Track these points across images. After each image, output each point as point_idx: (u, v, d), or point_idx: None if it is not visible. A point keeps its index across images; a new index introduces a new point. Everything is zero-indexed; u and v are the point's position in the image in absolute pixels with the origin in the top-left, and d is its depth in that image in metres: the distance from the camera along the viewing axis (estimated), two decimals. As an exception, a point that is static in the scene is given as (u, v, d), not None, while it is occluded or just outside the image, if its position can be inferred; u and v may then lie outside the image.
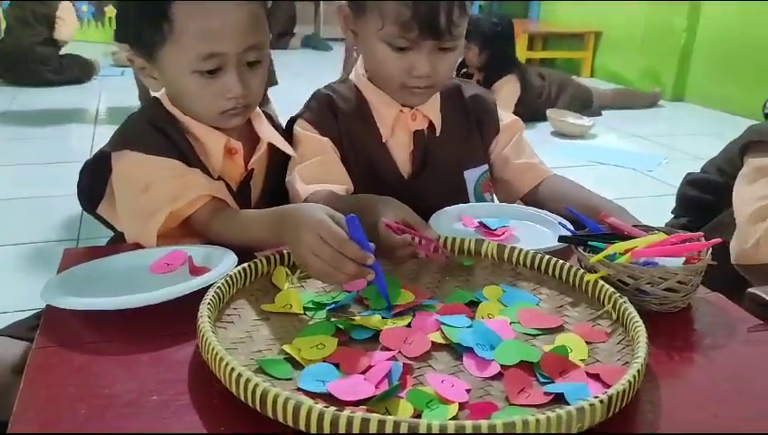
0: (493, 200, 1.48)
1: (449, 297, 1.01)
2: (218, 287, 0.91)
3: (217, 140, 1.25)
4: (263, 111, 1.37)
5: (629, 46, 6.46)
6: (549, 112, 4.65)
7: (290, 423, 0.67)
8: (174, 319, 0.91)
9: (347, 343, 0.88)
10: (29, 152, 3.98)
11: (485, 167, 1.48)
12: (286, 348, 0.85)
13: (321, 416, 0.65)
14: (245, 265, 1.00)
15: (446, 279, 1.08)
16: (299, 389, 0.77)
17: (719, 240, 1.03)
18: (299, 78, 5.00)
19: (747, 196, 1.58)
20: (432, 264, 1.11)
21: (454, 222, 1.29)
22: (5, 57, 5.60)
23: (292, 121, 1.42)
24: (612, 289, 0.96)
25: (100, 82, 5.86)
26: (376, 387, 0.77)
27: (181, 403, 0.76)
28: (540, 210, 1.34)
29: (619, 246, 1.01)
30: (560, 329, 0.94)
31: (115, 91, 5.33)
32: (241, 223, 1.13)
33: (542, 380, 0.81)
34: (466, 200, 1.42)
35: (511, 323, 0.94)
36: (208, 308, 0.86)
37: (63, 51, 5.84)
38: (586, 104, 5.01)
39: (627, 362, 0.83)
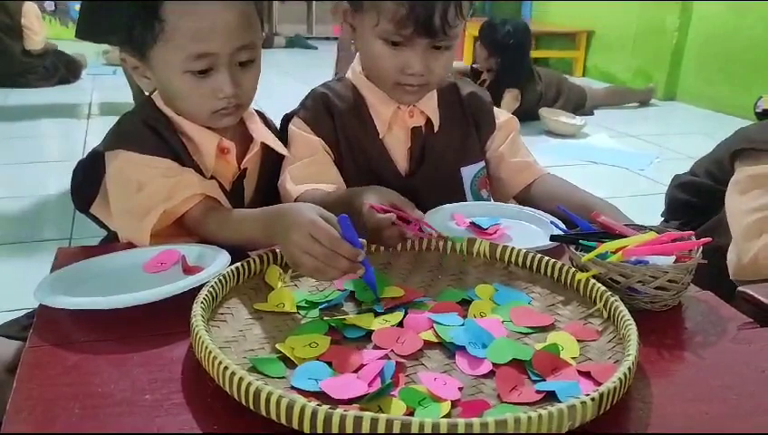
0: (489, 198, 1.49)
1: (441, 296, 1.01)
2: (211, 286, 0.92)
3: (210, 140, 1.25)
4: (255, 110, 1.37)
5: (621, 46, 6.48)
6: (542, 112, 4.66)
7: (283, 421, 0.67)
8: (167, 318, 0.91)
9: (340, 342, 0.88)
10: (22, 151, 3.97)
11: (482, 164, 1.49)
12: (279, 347, 0.85)
13: (313, 414, 0.66)
14: (238, 264, 1.00)
15: (439, 278, 1.08)
16: (292, 387, 0.77)
17: (709, 239, 1.04)
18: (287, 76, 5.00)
19: (742, 206, 1.58)
20: (424, 262, 1.12)
21: (446, 221, 1.29)
22: None
23: (287, 119, 1.42)
24: (604, 288, 0.96)
25: (92, 80, 5.85)
26: (369, 385, 0.77)
27: (174, 402, 0.76)
28: (532, 209, 1.35)
29: (611, 245, 1.02)
30: (551, 327, 0.94)
31: (107, 90, 5.32)
32: (233, 222, 1.14)
33: (533, 378, 0.82)
34: (463, 197, 1.43)
35: (503, 321, 0.94)
36: (201, 307, 0.86)
37: (51, 48, 5.80)
38: (579, 104, 5.03)
39: (618, 361, 0.83)
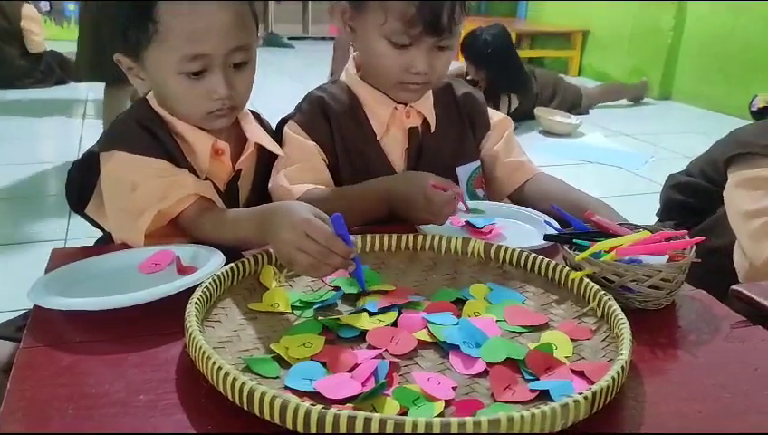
0: (485, 197, 1.49)
1: (436, 295, 1.01)
2: (206, 287, 0.92)
3: (204, 141, 1.25)
4: (250, 111, 1.37)
5: (617, 45, 6.49)
6: (537, 111, 4.67)
7: (277, 421, 0.68)
8: (162, 318, 0.91)
9: (334, 342, 0.88)
10: (16, 152, 3.96)
11: (477, 163, 1.49)
12: (273, 347, 0.85)
13: (307, 414, 0.66)
14: (233, 264, 1.00)
15: (433, 277, 1.08)
16: (286, 387, 0.78)
17: (702, 239, 1.04)
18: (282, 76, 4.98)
19: (744, 208, 1.57)
20: (419, 261, 1.12)
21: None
22: None
23: (283, 122, 1.42)
24: (597, 287, 0.97)
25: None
26: (363, 385, 0.77)
27: (169, 402, 0.76)
28: (526, 208, 1.35)
29: (604, 244, 1.02)
30: (545, 326, 0.94)
31: (102, 90, 5.30)
32: (227, 222, 1.14)
33: (527, 377, 0.82)
34: None
35: (497, 320, 0.94)
36: (196, 307, 0.86)
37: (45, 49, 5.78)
38: (575, 104, 5.03)
39: (611, 359, 0.83)
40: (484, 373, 0.83)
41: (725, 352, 0.92)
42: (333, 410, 0.66)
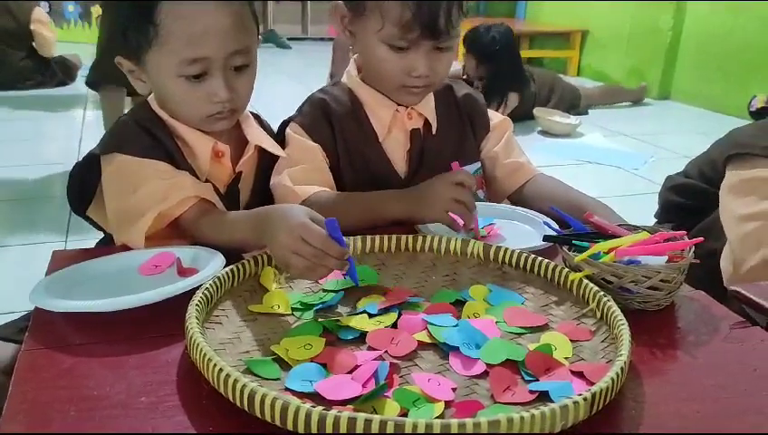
0: (485, 197, 1.49)
1: (435, 297, 1.02)
2: (206, 288, 0.92)
3: (205, 143, 1.26)
4: (251, 112, 1.38)
5: (616, 45, 6.49)
6: (536, 111, 4.67)
7: (277, 423, 0.68)
8: (162, 320, 0.91)
9: (334, 344, 0.88)
10: (17, 154, 3.96)
11: (478, 164, 1.50)
12: (274, 348, 0.85)
13: (308, 415, 0.66)
14: (233, 266, 1.00)
15: (432, 278, 1.09)
16: (286, 389, 0.78)
17: (701, 239, 1.04)
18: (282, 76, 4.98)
19: (738, 211, 1.57)
20: (418, 263, 1.13)
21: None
22: None
23: (285, 124, 1.42)
24: (596, 288, 0.97)
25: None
26: (363, 386, 0.78)
27: (170, 404, 0.76)
28: (525, 210, 1.35)
29: (604, 245, 1.03)
30: (545, 327, 0.95)
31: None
32: (225, 225, 1.14)
33: (527, 378, 0.82)
34: None
35: (497, 322, 0.95)
36: (196, 309, 0.86)
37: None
38: (574, 104, 5.04)
39: (610, 360, 0.84)
40: (484, 374, 0.83)
41: (724, 353, 0.92)
42: (334, 411, 0.66)
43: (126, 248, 1.17)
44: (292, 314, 0.96)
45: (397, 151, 1.42)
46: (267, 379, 0.80)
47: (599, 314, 0.94)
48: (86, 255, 1.15)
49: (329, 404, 0.74)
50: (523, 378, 0.82)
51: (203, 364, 0.76)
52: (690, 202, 1.85)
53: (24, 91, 5.51)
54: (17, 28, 5.50)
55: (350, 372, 0.81)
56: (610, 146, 4.39)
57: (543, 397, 0.78)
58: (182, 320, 0.84)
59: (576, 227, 1.14)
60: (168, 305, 0.93)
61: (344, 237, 0.96)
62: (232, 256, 1.06)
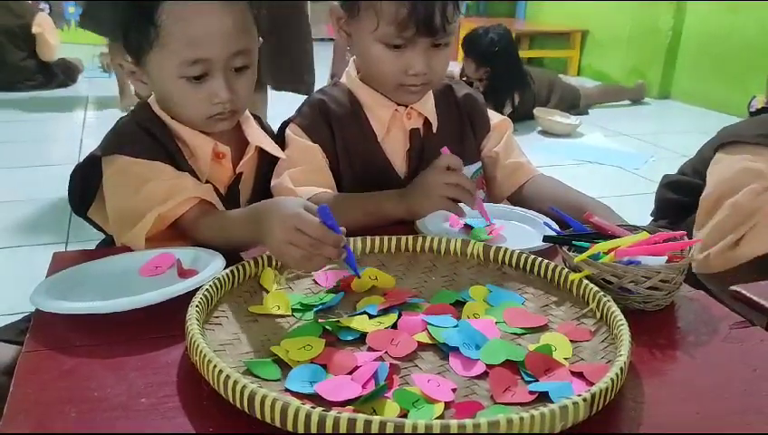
0: (485, 198, 1.49)
1: (435, 297, 1.02)
2: (206, 290, 0.92)
3: (205, 144, 1.26)
4: (251, 114, 1.38)
5: (616, 45, 6.49)
6: (536, 111, 4.68)
7: (277, 424, 0.68)
8: (163, 322, 0.91)
9: (334, 344, 0.89)
10: (18, 155, 3.97)
11: (479, 164, 1.50)
12: (274, 349, 0.85)
13: (308, 416, 0.66)
14: (233, 267, 1.01)
15: (432, 279, 1.09)
16: (287, 390, 0.78)
17: (700, 240, 1.05)
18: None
19: (716, 191, 1.65)
20: (418, 263, 1.13)
21: (441, 222, 1.30)
22: None
23: (284, 125, 1.42)
24: (596, 288, 0.97)
25: (88, 84, 5.84)
26: (363, 387, 0.78)
27: (170, 405, 0.76)
28: (525, 210, 1.35)
29: (603, 246, 1.03)
30: (545, 328, 0.95)
31: (104, 93, 5.31)
32: (222, 224, 1.14)
33: (526, 378, 0.82)
34: None
35: (496, 322, 0.95)
36: (197, 310, 0.86)
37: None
38: (573, 104, 5.04)
39: (610, 361, 0.84)
40: (484, 375, 0.83)
41: (724, 353, 0.92)
42: (334, 412, 0.66)
43: (126, 250, 1.17)
44: (293, 315, 0.96)
45: (396, 151, 1.42)
46: (267, 380, 0.80)
47: (598, 315, 0.94)
48: (87, 256, 1.15)
49: (329, 405, 0.74)
50: (522, 378, 0.82)
51: (203, 366, 0.76)
52: (685, 198, 1.87)
53: (25, 92, 5.50)
54: (19, 27, 5.50)
55: (350, 373, 0.81)
56: (611, 146, 4.39)
57: (543, 397, 0.78)
58: (182, 321, 0.84)
59: (576, 227, 1.14)
60: (169, 307, 0.93)
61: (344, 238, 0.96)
62: (232, 257, 1.06)
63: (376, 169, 1.40)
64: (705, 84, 5.62)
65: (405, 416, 0.74)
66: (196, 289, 0.93)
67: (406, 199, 1.25)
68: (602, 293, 0.95)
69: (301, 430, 0.67)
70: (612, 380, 0.74)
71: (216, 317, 0.93)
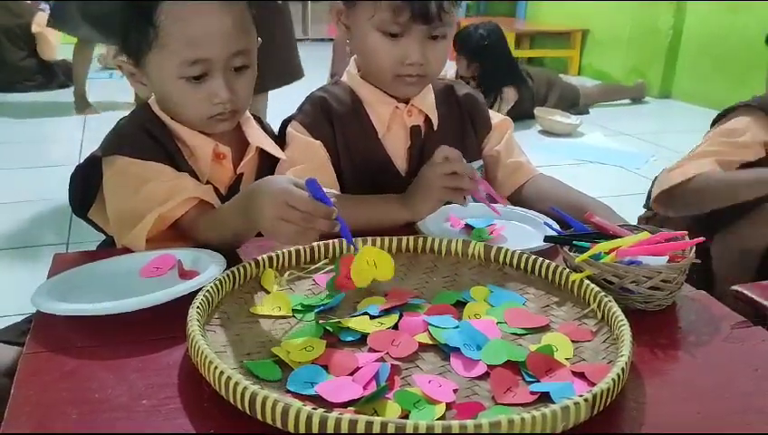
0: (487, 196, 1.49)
1: (436, 298, 1.02)
2: (207, 291, 0.92)
3: (206, 145, 1.26)
4: (252, 114, 1.38)
5: (616, 44, 6.49)
6: (537, 111, 4.68)
7: (278, 425, 0.68)
8: (164, 323, 0.91)
9: (335, 345, 0.88)
10: (19, 156, 3.97)
11: (480, 162, 1.50)
12: (275, 350, 0.85)
13: (309, 418, 0.66)
14: (234, 268, 1.01)
15: (433, 280, 1.09)
16: (288, 391, 0.78)
17: (701, 239, 1.05)
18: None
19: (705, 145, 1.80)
20: (419, 264, 1.13)
21: (442, 222, 1.30)
22: None
23: (286, 123, 1.42)
24: (597, 288, 0.97)
25: (89, 84, 5.83)
26: (364, 388, 0.78)
27: (171, 407, 0.76)
28: (526, 210, 1.35)
29: (604, 246, 1.03)
30: (546, 328, 0.95)
31: (104, 93, 5.31)
32: (218, 218, 1.14)
33: (528, 379, 0.82)
34: None
35: (497, 322, 0.95)
36: (197, 312, 0.86)
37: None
38: (573, 103, 5.04)
39: (612, 361, 0.83)
40: (485, 376, 0.83)
41: (726, 353, 0.92)
42: (335, 413, 0.66)
43: (127, 251, 1.17)
44: (293, 316, 0.96)
45: (397, 148, 1.42)
46: (268, 381, 0.80)
47: (600, 315, 0.94)
48: (87, 257, 1.15)
49: (330, 406, 0.74)
50: (524, 379, 0.82)
51: (204, 367, 0.76)
52: None
53: (26, 92, 5.51)
54: (19, 27, 5.49)
55: (351, 374, 0.81)
56: (611, 145, 4.39)
57: (545, 398, 0.78)
58: (184, 322, 0.84)
59: (577, 227, 1.14)
60: (170, 308, 0.93)
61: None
62: (233, 258, 1.06)
63: (377, 165, 1.40)
64: (705, 83, 5.62)
65: (406, 417, 0.74)
66: (197, 290, 0.93)
67: (408, 201, 1.25)
68: (603, 293, 0.95)
69: (302, 431, 0.67)
70: (614, 380, 0.74)
71: (217, 318, 0.93)
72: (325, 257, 1.12)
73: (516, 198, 1.47)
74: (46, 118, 4.88)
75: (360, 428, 0.65)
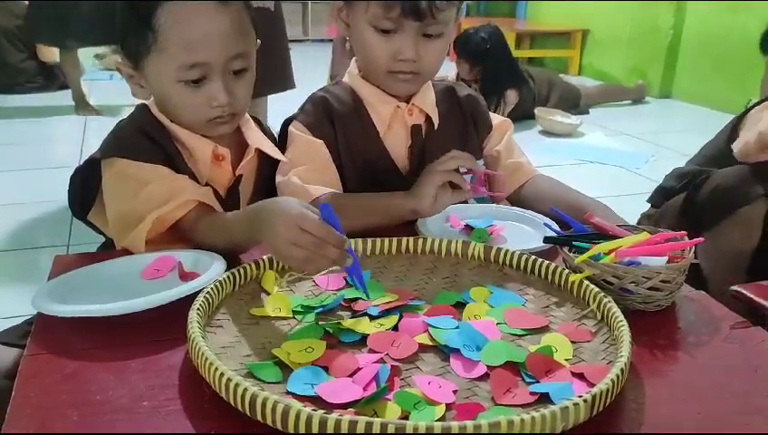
0: (489, 196, 1.49)
1: (436, 299, 1.02)
2: (208, 292, 0.92)
3: (205, 147, 1.26)
4: (251, 116, 1.38)
5: (617, 44, 6.49)
6: (537, 111, 4.68)
7: (279, 427, 0.68)
8: (164, 324, 0.91)
9: (335, 347, 0.89)
10: (19, 158, 3.97)
11: (480, 162, 1.50)
12: (275, 352, 0.86)
13: (309, 419, 0.66)
14: (234, 269, 1.01)
15: (433, 281, 1.09)
16: (288, 392, 0.78)
17: (701, 239, 1.05)
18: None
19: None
20: (419, 265, 1.13)
21: (442, 223, 1.30)
22: None
23: (287, 123, 1.43)
24: (597, 289, 0.97)
25: (88, 86, 5.83)
26: (364, 389, 0.78)
27: (172, 408, 0.77)
28: (525, 210, 1.35)
29: (604, 246, 1.03)
30: (545, 329, 0.95)
31: (104, 95, 5.31)
32: (221, 226, 1.14)
33: (527, 380, 0.82)
34: None
35: (497, 323, 0.95)
36: (198, 313, 0.87)
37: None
38: (574, 103, 5.04)
39: (611, 362, 0.84)
40: (485, 376, 0.83)
41: (725, 353, 0.92)
42: (335, 414, 0.66)
43: (127, 253, 1.17)
44: (294, 318, 0.96)
45: (398, 147, 1.42)
46: (268, 382, 0.80)
47: (599, 316, 0.94)
48: (88, 259, 1.15)
49: (330, 407, 0.74)
50: (523, 380, 0.83)
51: (204, 368, 0.76)
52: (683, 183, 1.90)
53: (26, 94, 5.51)
54: (18, 28, 5.48)
55: (351, 375, 0.81)
56: (611, 145, 4.39)
57: (544, 399, 0.78)
58: (184, 324, 0.84)
59: (576, 227, 1.14)
60: (170, 309, 0.93)
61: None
62: (233, 259, 1.06)
63: (378, 164, 1.40)
64: (705, 83, 5.62)
65: (406, 418, 0.74)
66: (198, 292, 0.93)
67: (412, 190, 1.24)
68: (603, 293, 0.95)
69: (302, 432, 0.67)
70: (613, 380, 0.75)
71: (218, 320, 0.93)
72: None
73: (516, 199, 1.47)
74: (47, 119, 4.88)
75: (360, 429, 0.65)
